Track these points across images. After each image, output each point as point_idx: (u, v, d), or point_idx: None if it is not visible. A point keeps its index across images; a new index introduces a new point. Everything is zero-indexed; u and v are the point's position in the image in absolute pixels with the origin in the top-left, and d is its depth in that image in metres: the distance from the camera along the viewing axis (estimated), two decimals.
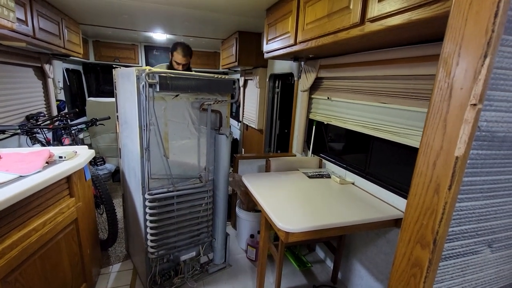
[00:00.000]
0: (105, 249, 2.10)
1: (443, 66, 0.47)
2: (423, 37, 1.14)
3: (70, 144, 2.24)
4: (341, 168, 1.93)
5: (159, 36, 3.66)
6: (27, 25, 1.87)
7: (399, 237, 0.59)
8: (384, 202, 1.50)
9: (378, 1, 1.02)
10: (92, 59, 4.11)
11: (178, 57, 2.18)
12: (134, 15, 2.63)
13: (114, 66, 3.35)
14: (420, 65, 1.23)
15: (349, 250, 1.82)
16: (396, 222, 1.39)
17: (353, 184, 1.78)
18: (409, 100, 1.33)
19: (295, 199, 1.49)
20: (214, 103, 1.66)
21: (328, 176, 1.88)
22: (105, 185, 1.93)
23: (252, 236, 2.11)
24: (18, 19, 1.67)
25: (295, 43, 1.70)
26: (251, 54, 3.04)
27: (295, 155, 2.49)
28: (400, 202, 1.44)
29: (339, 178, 1.79)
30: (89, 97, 4.23)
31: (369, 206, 1.45)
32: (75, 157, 1.55)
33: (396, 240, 1.44)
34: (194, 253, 1.84)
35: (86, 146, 1.74)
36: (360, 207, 1.43)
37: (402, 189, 1.46)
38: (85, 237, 1.58)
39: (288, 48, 1.81)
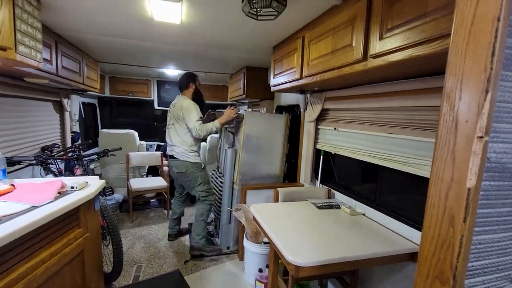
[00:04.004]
0: (109, 283, 2.03)
1: (446, 100, 0.49)
2: (425, 71, 1.19)
3: (81, 175, 2.28)
4: (350, 199, 1.89)
5: (172, 71, 3.88)
6: (51, 64, 2.02)
7: (417, 272, 0.56)
8: (398, 235, 1.45)
9: (379, 39, 1.09)
10: (107, 94, 4.33)
11: (199, 80, 2.62)
12: (149, 53, 2.82)
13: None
14: (424, 97, 1.26)
15: (363, 286, 1.71)
16: (412, 256, 1.33)
17: (364, 215, 1.73)
18: (416, 131, 1.34)
19: (304, 231, 1.45)
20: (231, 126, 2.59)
21: (338, 207, 1.84)
22: (113, 215, 1.92)
23: (260, 270, 2.02)
24: (44, 59, 1.81)
25: (301, 77, 1.78)
26: (258, 87, 3.17)
27: (303, 185, 2.47)
28: (414, 235, 1.38)
29: (349, 209, 1.75)
30: (102, 128, 4.39)
31: (382, 238, 1.40)
32: (86, 187, 1.57)
33: (413, 276, 1.36)
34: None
35: (97, 176, 1.78)
36: (373, 239, 1.38)
37: (416, 221, 1.42)
38: (90, 270, 1.55)
39: (294, 82, 1.89)
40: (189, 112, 2.39)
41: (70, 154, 2.55)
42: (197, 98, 2.57)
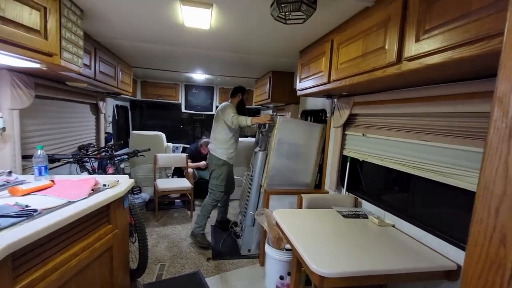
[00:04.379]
0: (134, 279, 2.10)
1: (498, 105, 0.45)
2: (466, 74, 1.10)
3: (113, 173, 2.40)
4: (379, 208, 1.80)
5: (199, 76, 3.99)
6: (90, 69, 2.16)
7: None
8: (432, 250, 1.35)
9: (415, 41, 1.03)
10: (139, 97, 4.55)
11: (246, 95, 3.01)
12: (179, 59, 2.92)
13: None
14: (465, 102, 1.17)
15: None
16: (448, 275, 1.23)
17: (393, 226, 1.64)
18: (455, 138, 1.25)
19: (330, 239, 1.40)
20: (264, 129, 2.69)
21: (365, 217, 1.76)
22: (140, 214, 2.00)
23: (281, 277, 1.99)
24: (84, 64, 1.94)
25: (329, 82, 1.74)
26: (283, 91, 3.16)
27: (327, 192, 2.40)
28: (451, 251, 1.28)
29: (377, 219, 1.67)
30: (133, 130, 4.61)
31: (414, 253, 1.31)
32: (117, 185, 1.65)
33: None
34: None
35: (127, 176, 1.85)
36: (404, 253, 1.30)
37: (453, 236, 1.30)
38: (117, 266, 1.61)
39: (321, 86, 1.85)
40: (225, 110, 2.77)
41: (103, 154, 2.70)
42: (240, 105, 2.96)
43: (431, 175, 1.38)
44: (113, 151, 2.85)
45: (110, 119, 3.66)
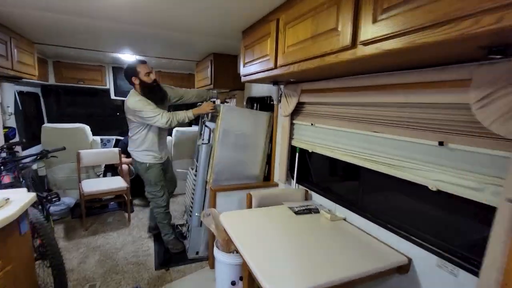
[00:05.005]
0: None
1: None
2: (426, 62, 1.02)
3: (10, 183, 1.85)
4: (329, 201, 1.75)
5: (128, 57, 3.41)
6: None
7: None
8: (383, 243, 1.33)
9: (373, 23, 0.89)
10: (52, 81, 3.72)
11: (145, 68, 2.22)
12: (96, 35, 2.38)
13: None
14: (416, 92, 1.10)
15: None
16: (400, 268, 1.21)
17: (344, 220, 1.60)
18: (406, 130, 1.20)
19: (282, 245, 1.27)
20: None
21: (317, 211, 1.69)
22: (52, 233, 1.58)
23: (233, 283, 1.83)
24: None
25: (275, 67, 1.54)
26: (227, 76, 2.89)
27: (277, 184, 2.29)
28: (401, 244, 1.26)
29: (329, 213, 1.61)
30: (49, 122, 3.81)
31: (368, 250, 1.27)
32: (6, 205, 1.22)
33: None
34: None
35: (25, 189, 1.42)
36: (360, 253, 1.24)
37: (403, 229, 1.29)
38: None
39: (267, 72, 1.66)
40: (141, 109, 2.15)
41: None
42: (149, 91, 2.19)
43: (382, 168, 1.33)
44: (15, 153, 2.24)
45: (11, 109, 2.90)
